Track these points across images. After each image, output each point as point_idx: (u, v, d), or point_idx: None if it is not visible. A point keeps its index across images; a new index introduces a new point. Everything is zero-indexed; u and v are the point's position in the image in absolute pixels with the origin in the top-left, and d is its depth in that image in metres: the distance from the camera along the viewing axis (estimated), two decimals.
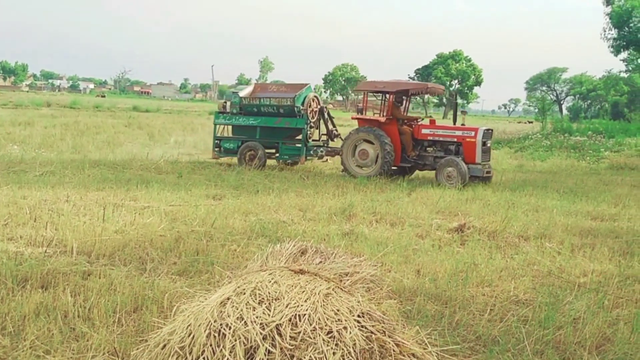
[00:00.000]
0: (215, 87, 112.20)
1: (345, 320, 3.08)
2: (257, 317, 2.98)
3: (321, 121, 14.99)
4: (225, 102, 15.20)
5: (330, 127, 15.17)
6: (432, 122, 13.68)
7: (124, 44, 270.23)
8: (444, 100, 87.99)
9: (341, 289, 3.47)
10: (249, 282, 3.28)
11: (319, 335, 2.95)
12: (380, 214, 8.47)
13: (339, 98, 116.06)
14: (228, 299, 3.16)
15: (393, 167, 13.18)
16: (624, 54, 35.36)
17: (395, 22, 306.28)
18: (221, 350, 2.88)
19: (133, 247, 5.93)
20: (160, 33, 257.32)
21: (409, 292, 4.98)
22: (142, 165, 12.65)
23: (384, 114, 13.34)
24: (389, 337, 3.07)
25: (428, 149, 13.04)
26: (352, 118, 14.70)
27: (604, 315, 4.56)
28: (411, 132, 13.12)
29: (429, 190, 11.16)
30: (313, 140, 14.82)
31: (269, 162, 14.57)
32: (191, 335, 3.07)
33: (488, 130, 12.77)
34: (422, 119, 13.87)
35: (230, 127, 15.15)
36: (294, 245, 4.09)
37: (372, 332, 3.04)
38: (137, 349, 3.32)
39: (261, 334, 2.91)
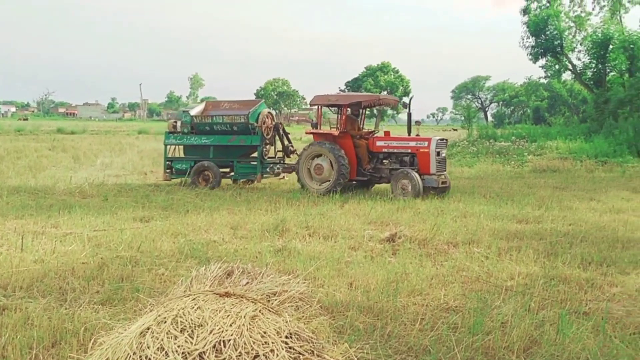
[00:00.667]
0: (145, 105, 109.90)
1: (272, 343, 3.00)
2: (178, 347, 2.85)
3: (277, 137, 14.69)
4: (176, 122, 14.77)
5: (286, 143, 14.83)
6: (387, 134, 13.58)
7: (47, 64, 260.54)
8: (375, 111, 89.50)
9: (269, 309, 3.38)
10: (170, 310, 3.14)
11: None
12: (313, 227, 8.43)
13: (272, 112, 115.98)
14: (148, 328, 3.02)
15: (352, 181, 13.12)
16: (542, 61, 37.06)
17: (326, 34, 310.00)
18: None
19: (53, 277, 5.63)
20: (85, 51, 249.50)
21: (341, 307, 4.95)
22: (66, 189, 12.11)
23: (339, 127, 13.17)
24: (318, 356, 3.01)
25: (384, 161, 12.79)
26: (307, 133, 14.49)
27: (531, 317, 4.66)
28: (366, 145, 12.92)
29: (362, 201, 11.24)
30: (269, 158, 14.53)
31: (224, 181, 14.35)
32: None
33: (442, 140, 12.61)
34: (377, 132, 13.85)
35: (181, 148, 14.76)
36: (219, 267, 3.97)
37: (300, 353, 2.97)
38: None
39: None
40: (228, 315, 3.14)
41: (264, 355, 2.91)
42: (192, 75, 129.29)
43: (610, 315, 4.81)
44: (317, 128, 13.76)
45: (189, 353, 2.83)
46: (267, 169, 13.97)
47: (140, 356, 2.84)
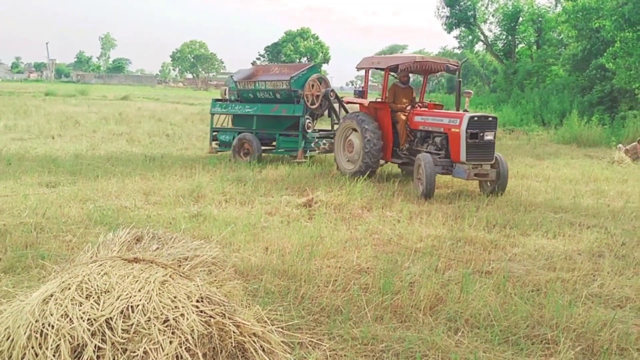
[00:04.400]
0: (52, 65, 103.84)
1: (183, 307, 2.97)
2: (83, 313, 2.77)
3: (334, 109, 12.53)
4: (226, 89, 13.57)
5: (342, 114, 12.39)
6: (431, 106, 11.02)
7: None
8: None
9: (179, 274, 3.34)
10: (75, 276, 3.04)
11: (154, 325, 2.82)
12: (230, 193, 8.37)
13: (189, 76, 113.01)
14: (51, 295, 2.91)
15: (388, 162, 10.90)
16: (456, 32, 38.10)
17: None
18: (44, 351, 2.65)
19: None
20: None
21: (256, 271, 4.98)
22: None
23: (382, 97, 10.88)
24: (229, 319, 3.02)
25: (421, 142, 10.13)
26: (346, 102, 12.16)
27: (437, 277, 4.87)
28: (405, 121, 10.41)
29: (279, 167, 11.23)
30: (318, 131, 12.63)
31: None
32: (10, 339, 2.80)
33: (484, 117, 9.17)
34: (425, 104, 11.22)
35: (230, 118, 13.51)
36: (128, 232, 3.86)
37: (210, 317, 2.96)
38: None
39: (89, 330, 2.71)
40: (137, 281, 3.07)
41: (174, 319, 2.88)
42: (104, 34, 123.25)
43: (511, 274, 5.12)
44: (362, 97, 11.27)
45: (94, 319, 2.76)
46: (312, 144, 12.23)
47: (42, 324, 2.73)
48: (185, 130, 18.80)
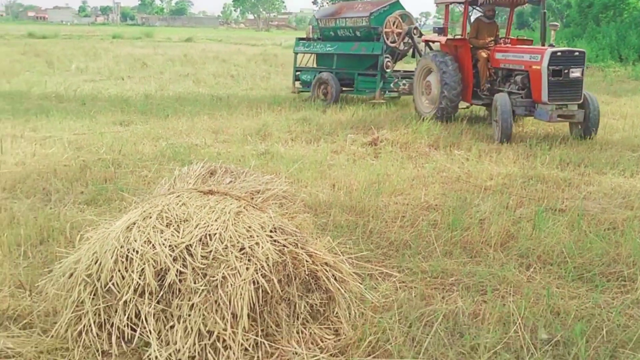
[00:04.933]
0: (117, 9, 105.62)
1: (258, 237, 3.05)
2: (165, 240, 2.89)
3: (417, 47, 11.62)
4: (310, 27, 13.44)
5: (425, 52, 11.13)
6: (517, 42, 10.05)
7: None
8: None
9: (253, 206, 3.42)
10: (155, 206, 3.16)
11: (231, 252, 2.91)
12: (295, 132, 8.42)
13: (250, 17, 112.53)
14: (134, 223, 3.04)
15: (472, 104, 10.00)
16: None
17: None
18: (130, 274, 2.80)
19: (35, 179, 5.62)
20: None
21: (324, 206, 5.04)
22: (41, 94, 11.84)
23: (463, 33, 9.86)
24: (302, 248, 3.08)
25: (503, 81, 9.24)
26: (423, 41, 11.11)
27: (508, 214, 4.80)
28: (487, 58, 9.46)
29: (344, 106, 11.15)
30: (401, 72, 11.93)
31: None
32: (98, 263, 2.96)
33: (564, 52, 8.23)
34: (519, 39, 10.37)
35: (315, 57, 13.18)
36: (202, 166, 3.97)
37: (284, 246, 3.04)
38: (43, 279, 3.18)
39: (170, 255, 2.83)
40: (213, 211, 3.17)
41: (249, 247, 2.96)
42: None
43: (585, 212, 4.97)
44: (442, 34, 10.30)
45: (175, 246, 2.88)
46: (391, 85, 11.42)
47: (127, 249, 2.88)
48: (249, 71, 18.88)
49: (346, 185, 5.69)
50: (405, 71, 12.17)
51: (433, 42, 10.72)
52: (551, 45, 8.61)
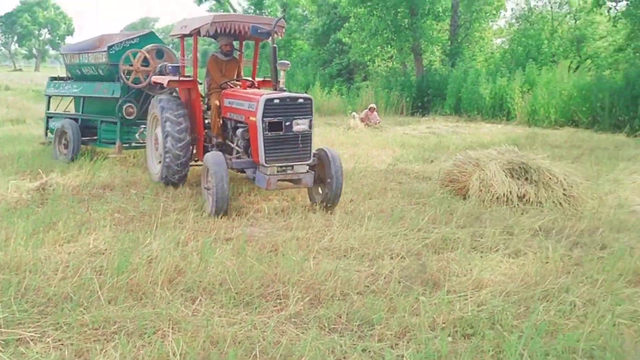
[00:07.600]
0: None
1: None
2: None
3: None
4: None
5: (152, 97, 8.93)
6: (245, 85, 7.90)
7: None
8: (34, 50, 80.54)
9: None
10: None
11: None
12: None
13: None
14: None
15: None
16: (206, 4, 38.01)
17: None
18: None
19: None
20: None
21: None
22: None
23: (194, 72, 7.91)
24: None
25: (232, 135, 7.25)
26: (153, 82, 8.59)
27: (179, 250, 4.83)
28: (218, 105, 7.45)
29: (9, 149, 10.04)
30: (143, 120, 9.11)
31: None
32: None
33: (283, 99, 6.32)
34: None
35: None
36: None
37: None
38: None
39: None
40: None
41: None
42: None
43: (251, 238, 5.30)
44: (179, 74, 8.03)
45: None
46: (136, 135, 9.53)
47: None
48: None
49: (3, 239, 5.06)
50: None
51: (159, 84, 8.33)
52: (281, 90, 6.65)
